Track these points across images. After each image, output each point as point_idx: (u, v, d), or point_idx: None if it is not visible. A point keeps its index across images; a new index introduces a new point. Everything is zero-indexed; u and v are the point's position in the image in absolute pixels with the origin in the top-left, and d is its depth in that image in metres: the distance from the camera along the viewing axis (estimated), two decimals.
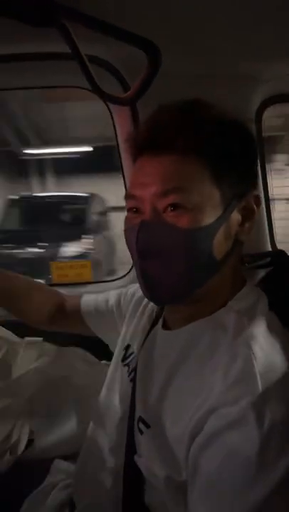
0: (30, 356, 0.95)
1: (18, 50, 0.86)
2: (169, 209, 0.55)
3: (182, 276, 0.57)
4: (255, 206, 0.60)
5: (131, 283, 1.25)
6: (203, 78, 0.93)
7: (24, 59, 0.89)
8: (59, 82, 1.03)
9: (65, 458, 0.89)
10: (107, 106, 1.06)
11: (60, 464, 0.87)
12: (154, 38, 0.65)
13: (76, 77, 0.90)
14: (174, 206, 0.55)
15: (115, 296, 0.91)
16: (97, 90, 0.67)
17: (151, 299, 0.61)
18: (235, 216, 0.58)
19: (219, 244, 0.57)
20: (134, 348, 0.76)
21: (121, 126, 1.06)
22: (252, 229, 0.60)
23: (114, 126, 1.09)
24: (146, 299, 0.81)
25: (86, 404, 0.94)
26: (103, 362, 1.04)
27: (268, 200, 1.11)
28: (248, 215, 0.60)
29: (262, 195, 1.09)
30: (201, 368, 0.54)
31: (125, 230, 0.62)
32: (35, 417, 0.91)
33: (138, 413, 0.62)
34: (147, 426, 0.59)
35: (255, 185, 0.62)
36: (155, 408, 0.59)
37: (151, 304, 0.79)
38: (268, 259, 0.86)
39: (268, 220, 1.11)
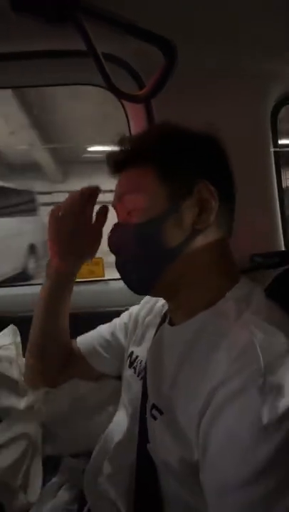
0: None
1: (34, 47, 0.87)
2: (126, 211, 0.67)
3: (141, 266, 0.66)
4: (210, 197, 0.64)
5: None
6: (218, 76, 0.93)
7: (40, 56, 0.89)
8: (74, 80, 1.04)
9: (75, 456, 0.89)
10: (122, 104, 1.06)
11: (70, 462, 0.88)
12: (170, 35, 0.65)
13: (91, 75, 0.90)
14: (130, 208, 0.66)
15: (112, 325, 0.94)
16: (112, 88, 0.68)
17: (130, 289, 0.70)
18: (190, 208, 0.64)
19: (169, 233, 0.63)
20: (138, 351, 0.80)
21: (135, 125, 1.06)
22: (210, 218, 0.64)
23: (128, 124, 1.09)
24: (148, 304, 0.88)
25: (97, 407, 0.94)
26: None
27: (282, 198, 1.10)
28: (204, 206, 0.64)
29: (275, 192, 1.07)
30: (207, 353, 0.57)
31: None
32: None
33: (151, 401, 0.65)
34: (161, 412, 0.62)
35: (210, 179, 0.65)
36: (167, 395, 0.62)
37: (160, 303, 0.84)
38: (277, 259, 0.86)
39: (281, 219, 1.10)
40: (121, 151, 0.70)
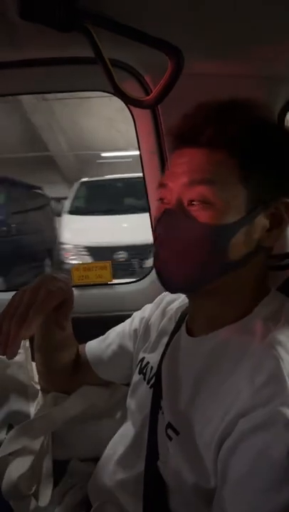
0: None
1: (42, 55, 0.88)
2: (194, 202, 0.56)
3: (193, 269, 0.58)
4: (286, 215, 0.58)
5: (151, 284, 1.26)
6: (226, 79, 0.93)
7: (47, 64, 0.90)
8: (81, 87, 1.05)
9: (82, 459, 0.89)
10: (130, 110, 1.06)
11: (77, 465, 0.88)
12: (176, 39, 0.65)
13: (98, 81, 0.91)
14: (199, 200, 0.56)
15: (120, 333, 0.90)
16: (119, 94, 0.68)
17: (163, 284, 0.62)
18: (261, 221, 0.57)
19: (237, 245, 0.56)
20: (149, 358, 0.76)
21: (143, 130, 1.06)
22: (279, 237, 0.59)
23: (135, 130, 1.09)
24: (160, 307, 0.83)
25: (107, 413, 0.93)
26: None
27: None
28: (277, 222, 0.58)
29: None
30: (228, 374, 0.54)
31: (154, 218, 0.64)
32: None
33: (166, 419, 0.62)
34: (177, 433, 0.59)
35: (287, 193, 0.58)
36: (185, 415, 0.59)
37: (173, 307, 0.80)
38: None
39: None
40: (206, 127, 0.57)
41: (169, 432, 0.60)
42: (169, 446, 0.59)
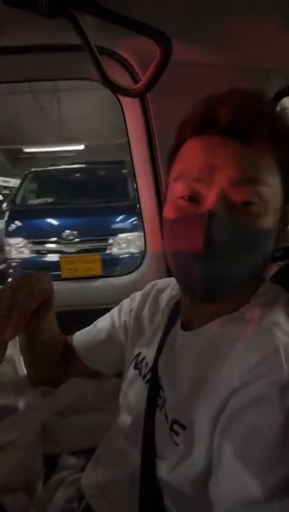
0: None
1: (29, 41, 0.86)
2: (243, 203, 0.51)
3: (239, 277, 0.55)
4: None
5: (141, 277, 1.25)
6: (215, 68, 0.92)
7: (34, 51, 0.88)
8: (69, 75, 1.03)
9: (74, 453, 0.89)
10: (118, 99, 1.05)
11: (68, 459, 0.87)
12: (165, 27, 0.64)
13: (86, 69, 0.89)
14: (248, 201, 0.51)
15: (108, 322, 0.89)
16: (107, 82, 0.67)
17: (201, 296, 0.55)
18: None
19: (271, 248, 0.56)
20: (146, 353, 0.75)
21: (131, 119, 1.05)
22: None
23: (124, 119, 1.08)
24: (150, 299, 0.82)
25: (97, 405, 0.93)
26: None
27: None
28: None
29: None
30: (226, 360, 0.54)
31: (177, 219, 0.56)
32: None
33: (171, 416, 0.60)
34: (183, 427, 0.58)
35: None
36: (187, 409, 0.58)
37: (164, 299, 0.79)
38: (281, 252, 0.85)
39: None
40: (263, 121, 0.52)
41: (176, 427, 0.59)
42: (177, 440, 0.58)
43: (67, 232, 4.31)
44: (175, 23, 0.74)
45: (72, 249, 4.30)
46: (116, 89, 0.72)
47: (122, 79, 0.92)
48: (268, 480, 0.44)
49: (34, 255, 4.36)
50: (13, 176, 9.66)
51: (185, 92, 0.91)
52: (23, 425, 0.83)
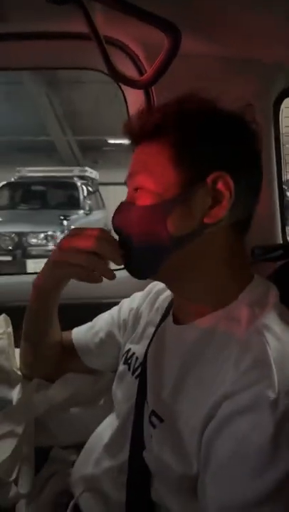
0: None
1: (34, 28, 0.84)
2: (135, 191, 0.62)
3: (142, 250, 0.61)
4: (226, 192, 0.58)
5: None
6: (221, 64, 0.91)
7: (39, 38, 0.87)
8: (73, 64, 1.02)
9: (65, 447, 0.88)
10: (122, 90, 1.03)
11: (59, 453, 0.87)
12: (172, 19, 0.63)
13: (92, 59, 0.88)
14: (138, 188, 0.61)
15: (108, 321, 0.89)
16: (113, 73, 0.66)
17: (128, 271, 0.66)
18: (202, 198, 0.58)
19: (176, 221, 0.58)
20: (136, 348, 0.76)
21: (134, 110, 1.04)
22: (222, 214, 0.58)
23: (127, 110, 1.07)
24: (148, 298, 0.83)
25: (91, 400, 0.93)
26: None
27: (281, 191, 1.09)
28: (218, 199, 0.58)
29: (275, 185, 1.06)
30: (214, 360, 0.54)
31: None
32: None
33: (150, 407, 0.61)
34: (161, 420, 0.59)
35: (231, 170, 0.58)
36: (169, 402, 0.58)
37: (161, 298, 0.79)
38: (280, 252, 0.85)
39: (280, 212, 1.09)
40: (137, 123, 0.63)
41: (153, 419, 0.60)
42: (153, 433, 0.59)
43: None
44: (183, 14, 0.73)
45: None
46: (122, 80, 0.71)
47: (127, 70, 0.91)
48: (256, 486, 0.44)
49: None
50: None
51: (190, 86, 0.90)
52: (16, 419, 0.82)
